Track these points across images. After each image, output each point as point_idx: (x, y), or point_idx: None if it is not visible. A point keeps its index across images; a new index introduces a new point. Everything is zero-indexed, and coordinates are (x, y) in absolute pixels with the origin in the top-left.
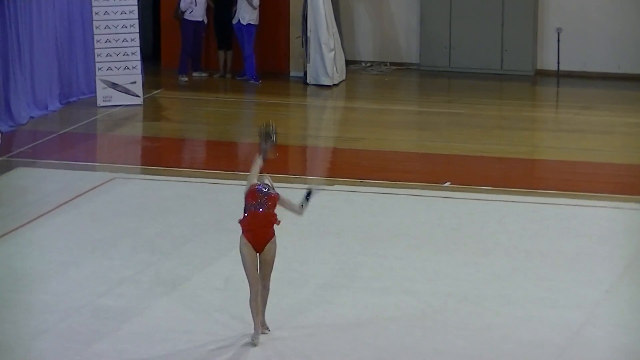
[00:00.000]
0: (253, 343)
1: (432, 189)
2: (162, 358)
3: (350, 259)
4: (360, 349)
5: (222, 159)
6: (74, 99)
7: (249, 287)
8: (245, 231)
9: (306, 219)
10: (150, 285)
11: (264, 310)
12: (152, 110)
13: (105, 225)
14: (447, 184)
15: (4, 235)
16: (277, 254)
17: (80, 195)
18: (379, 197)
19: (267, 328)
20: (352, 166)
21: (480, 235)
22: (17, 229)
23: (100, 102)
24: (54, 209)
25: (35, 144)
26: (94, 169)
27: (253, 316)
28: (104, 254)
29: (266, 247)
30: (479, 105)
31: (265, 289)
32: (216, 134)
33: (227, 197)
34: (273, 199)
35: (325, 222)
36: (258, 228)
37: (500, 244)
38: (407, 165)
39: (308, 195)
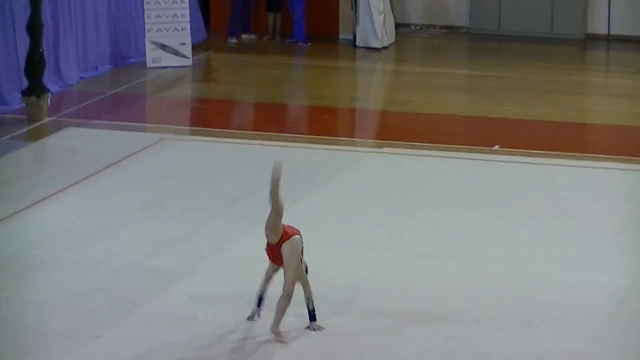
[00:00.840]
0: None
1: (481, 152)
2: (210, 319)
3: (398, 221)
4: (406, 313)
5: (270, 121)
6: (124, 61)
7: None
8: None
9: (355, 182)
10: (199, 246)
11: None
12: (201, 72)
13: (154, 186)
14: (496, 147)
15: (53, 195)
16: (326, 216)
17: (130, 156)
18: (427, 160)
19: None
20: (400, 129)
21: (528, 198)
22: (66, 188)
23: (149, 64)
24: (103, 169)
25: (85, 104)
26: (143, 130)
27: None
28: (153, 215)
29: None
30: (528, 69)
31: (288, 298)
32: (265, 96)
33: (276, 158)
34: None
35: (373, 185)
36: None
37: (548, 207)
38: (455, 128)
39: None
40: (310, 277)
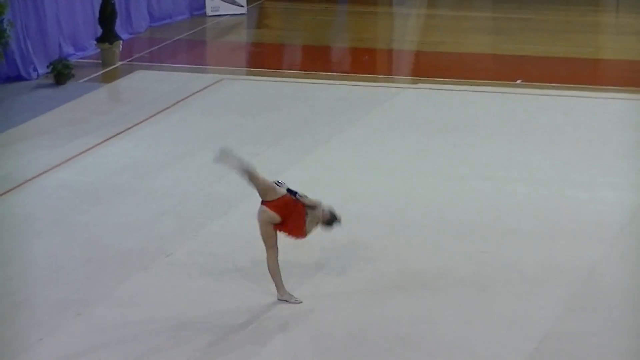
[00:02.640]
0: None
1: (505, 86)
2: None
3: (432, 148)
4: (442, 227)
5: (317, 61)
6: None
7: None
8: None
9: (393, 115)
10: None
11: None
12: (255, 18)
13: (215, 121)
14: (519, 81)
15: (126, 130)
16: (368, 145)
17: (193, 94)
18: (457, 94)
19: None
20: (433, 67)
21: (548, 126)
22: (138, 124)
23: (208, 12)
24: (170, 106)
25: (152, 49)
26: (204, 71)
27: (277, 278)
28: (215, 146)
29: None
30: (547, 10)
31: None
32: (312, 39)
33: (322, 94)
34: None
35: (409, 117)
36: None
37: (566, 134)
38: (482, 65)
39: (331, 220)
40: (352, 199)
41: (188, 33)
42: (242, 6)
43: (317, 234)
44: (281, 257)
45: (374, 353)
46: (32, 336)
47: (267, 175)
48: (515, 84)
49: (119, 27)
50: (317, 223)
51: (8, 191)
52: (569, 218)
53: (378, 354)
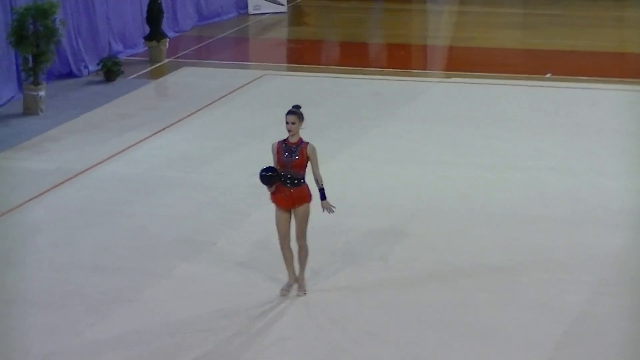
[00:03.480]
0: (283, 293)
1: (535, 80)
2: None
3: (464, 140)
4: (474, 216)
5: (353, 57)
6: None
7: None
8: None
9: (427, 108)
10: None
11: (303, 271)
12: (294, 17)
13: (258, 115)
14: (548, 75)
15: (173, 124)
16: (402, 137)
17: (236, 90)
18: (488, 88)
19: (304, 290)
20: (465, 61)
21: (576, 118)
22: (184, 118)
23: (251, 11)
24: (215, 101)
25: (197, 47)
26: (247, 67)
27: (286, 265)
28: (257, 139)
29: (297, 208)
30: (575, 6)
31: (302, 249)
32: (349, 36)
33: (360, 89)
34: (299, 162)
35: (442, 110)
36: (284, 199)
37: (593, 125)
38: (512, 59)
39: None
40: (389, 189)
41: (231, 31)
42: (282, 4)
43: (356, 224)
44: (320, 245)
45: (409, 336)
46: (84, 322)
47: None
48: (544, 78)
49: (165, 25)
50: None
51: (60, 183)
52: (596, 206)
53: (413, 337)
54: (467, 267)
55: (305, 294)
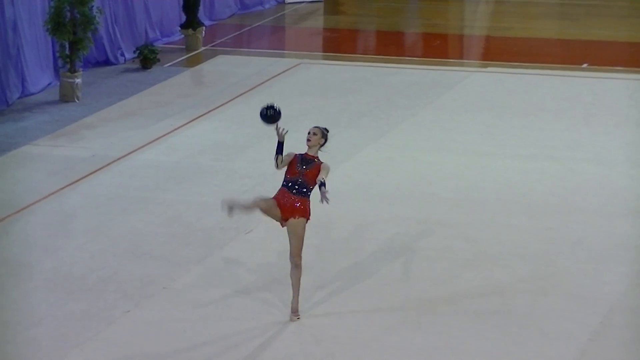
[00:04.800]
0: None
1: (572, 70)
2: (343, 214)
3: (501, 130)
4: (511, 206)
5: (390, 46)
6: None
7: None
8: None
9: (464, 97)
10: (332, 154)
11: (297, 295)
12: (331, 5)
13: (294, 104)
14: (585, 65)
15: (208, 112)
16: (439, 126)
17: (272, 78)
18: (525, 77)
19: (298, 315)
20: (502, 51)
21: (613, 108)
22: (219, 107)
23: (287, 0)
24: (250, 89)
25: (233, 35)
26: (282, 55)
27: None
28: (293, 127)
29: (293, 220)
30: None
31: (297, 268)
32: (386, 25)
33: (396, 78)
34: (312, 173)
35: (479, 99)
36: (284, 204)
37: (631, 116)
38: (549, 49)
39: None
40: (424, 178)
41: (267, 19)
42: None
43: (391, 213)
44: (356, 234)
45: (444, 323)
46: (119, 309)
47: (343, 157)
48: (581, 68)
49: (202, 14)
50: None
51: (97, 170)
52: (633, 197)
53: (449, 325)
54: (504, 258)
55: (298, 318)
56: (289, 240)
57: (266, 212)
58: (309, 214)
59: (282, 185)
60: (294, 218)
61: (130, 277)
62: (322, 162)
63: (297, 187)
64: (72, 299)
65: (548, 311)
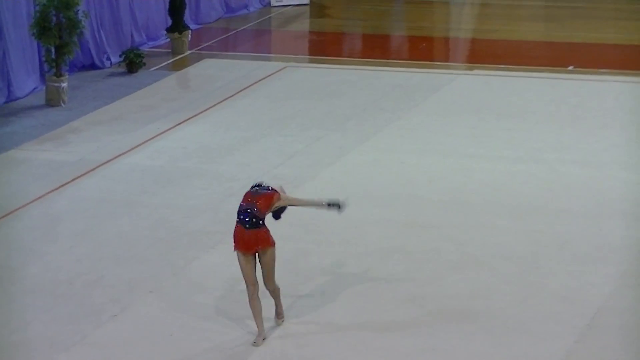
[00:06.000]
0: (255, 344)
1: (558, 72)
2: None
3: (487, 132)
4: (497, 208)
5: (376, 49)
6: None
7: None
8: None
9: (449, 100)
10: (318, 157)
11: (280, 305)
12: (317, 9)
13: (280, 107)
14: (571, 67)
15: (194, 116)
16: (425, 129)
17: (258, 81)
18: (511, 80)
19: (283, 318)
20: (488, 54)
21: (599, 111)
22: (205, 110)
23: (273, 3)
24: (236, 93)
25: (219, 39)
26: (268, 59)
27: (254, 317)
28: (279, 131)
29: (264, 251)
30: None
31: (274, 291)
32: (371, 28)
33: (382, 81)
34: (265, 199)
35: (465, 102)
36: (245, 243)
37: (616, 118)
38: (535, 52)
39: (334, 205)
40: (411, 181)
41: (253, 23)
42: None
43: (377, 215)
44: (340, 237)
45: (431, 325)
46: (107, 312)
47: (329, 161)
48: (567, 70)
49: (187, 17)
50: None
51: (83, 174)
52: (619, 199)
53: (436, 326)
54: (490, 259)
55: (283, 321)
56: (261, 269)
57: (249, 271)
58: (272, 241)
59: (237, 219)
60: (261, 248)
61: (117, 280)
62: (275, 192)
63: (248, 219)
64: (59, 303)
65: (534, 313)
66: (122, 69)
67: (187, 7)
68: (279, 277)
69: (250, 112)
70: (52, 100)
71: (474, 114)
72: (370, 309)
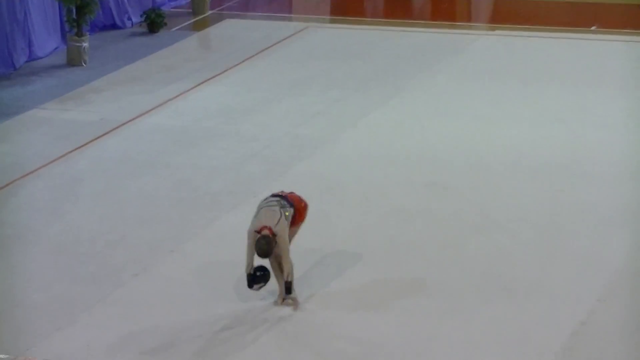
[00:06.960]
0: (276, 303)
1: (580, 32)
2: (350, 178)
3: (508, 95)
4: (518, 170)
5: (397, 9)
6: None
7: None
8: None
9: (471, 61)
10: (338, 118)
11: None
12: None
13: (301, 68)
14: (593, 28)
15: (216, 76)
16: (445, 91)
17: (279, 42)
18: (533, 41)
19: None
20: (509, 14)
21: (621, 73)
22: (226, 70)
23: None
24: (257, 54)
25: None
26: (290, 19)
27: (276, 278)
28: (300, 92)
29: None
30: None
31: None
32: None
33: (403, 42)
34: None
35: (487, 63)
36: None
37: (638, 79)
38: (558, 12)
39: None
40: (431, 143)
41: None
42: None
43: (398, 178)
44: (364, 200)
45: (451, 286)
46: (128, 272)
47: (350, 122)
48: (590, 31)
49: None
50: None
51: (104, 134)
52: (639, 161)
53: (456, 288)
54: (511, 222)
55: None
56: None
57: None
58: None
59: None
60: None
61: (138, 240)
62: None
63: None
64: (80, 263)
65: (555, 275)
66: (143, 29)
67: None
68: (300, 238)
69: (271, 72)
70: (73, 60)
71: (495, 76)
72: (391, 270)
